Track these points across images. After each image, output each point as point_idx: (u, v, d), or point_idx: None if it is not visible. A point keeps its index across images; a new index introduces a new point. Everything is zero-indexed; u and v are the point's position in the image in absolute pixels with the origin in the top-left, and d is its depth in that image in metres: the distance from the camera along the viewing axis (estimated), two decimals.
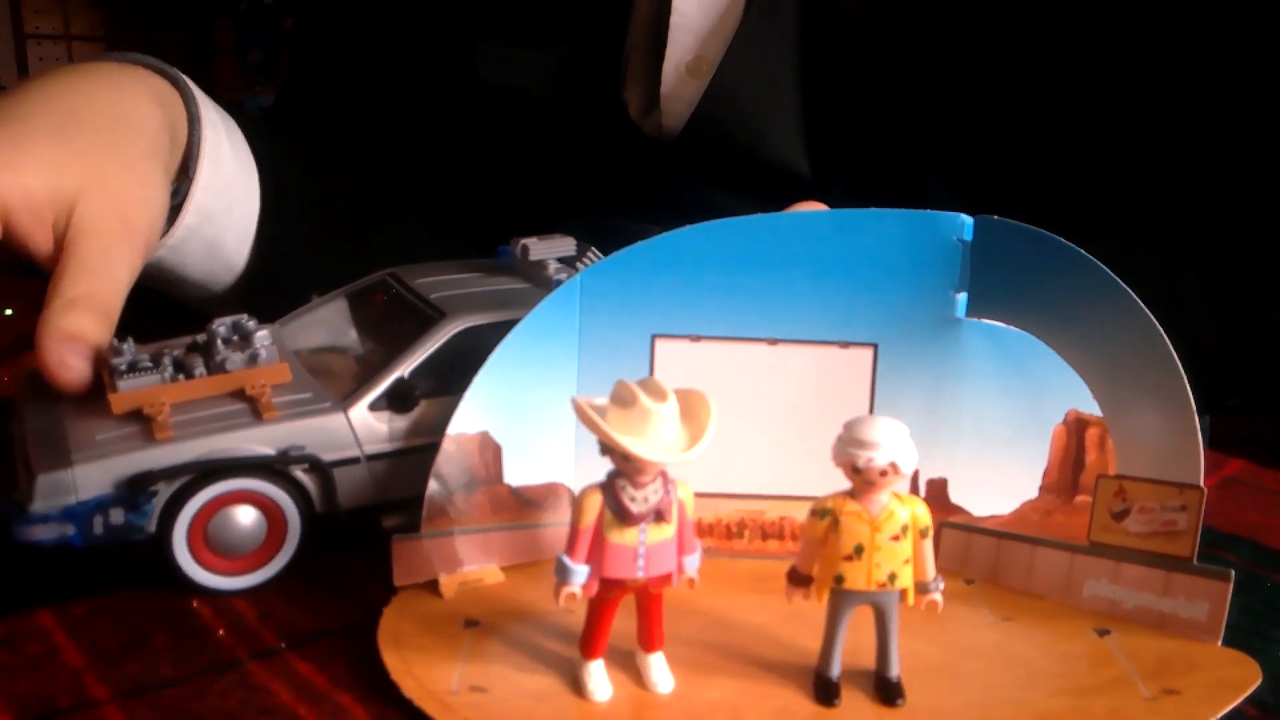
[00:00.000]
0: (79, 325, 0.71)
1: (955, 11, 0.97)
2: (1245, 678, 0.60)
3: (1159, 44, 0.94)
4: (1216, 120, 0.95)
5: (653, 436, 0.56)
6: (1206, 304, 0.95)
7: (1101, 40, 0.96)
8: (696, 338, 0.69)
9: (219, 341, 0.71)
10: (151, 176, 0.82)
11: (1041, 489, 0.69)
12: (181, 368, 0.70)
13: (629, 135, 1.08)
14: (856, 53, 1.00)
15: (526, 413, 0.67)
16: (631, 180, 1.07)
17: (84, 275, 0.73)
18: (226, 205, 0.94)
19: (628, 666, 0.60)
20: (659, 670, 0.59)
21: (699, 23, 1.04)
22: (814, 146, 1.03)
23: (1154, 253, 0.88)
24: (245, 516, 0.66)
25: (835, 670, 0.59)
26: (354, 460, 0.69)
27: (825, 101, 1.02)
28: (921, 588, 0.59)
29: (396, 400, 0.69)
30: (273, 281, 0.99)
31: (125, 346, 0.71)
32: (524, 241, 0.79)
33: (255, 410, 0.68)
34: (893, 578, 0.58)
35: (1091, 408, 0.67)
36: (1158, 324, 0.64)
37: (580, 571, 0.57)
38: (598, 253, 0.78)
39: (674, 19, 1.04)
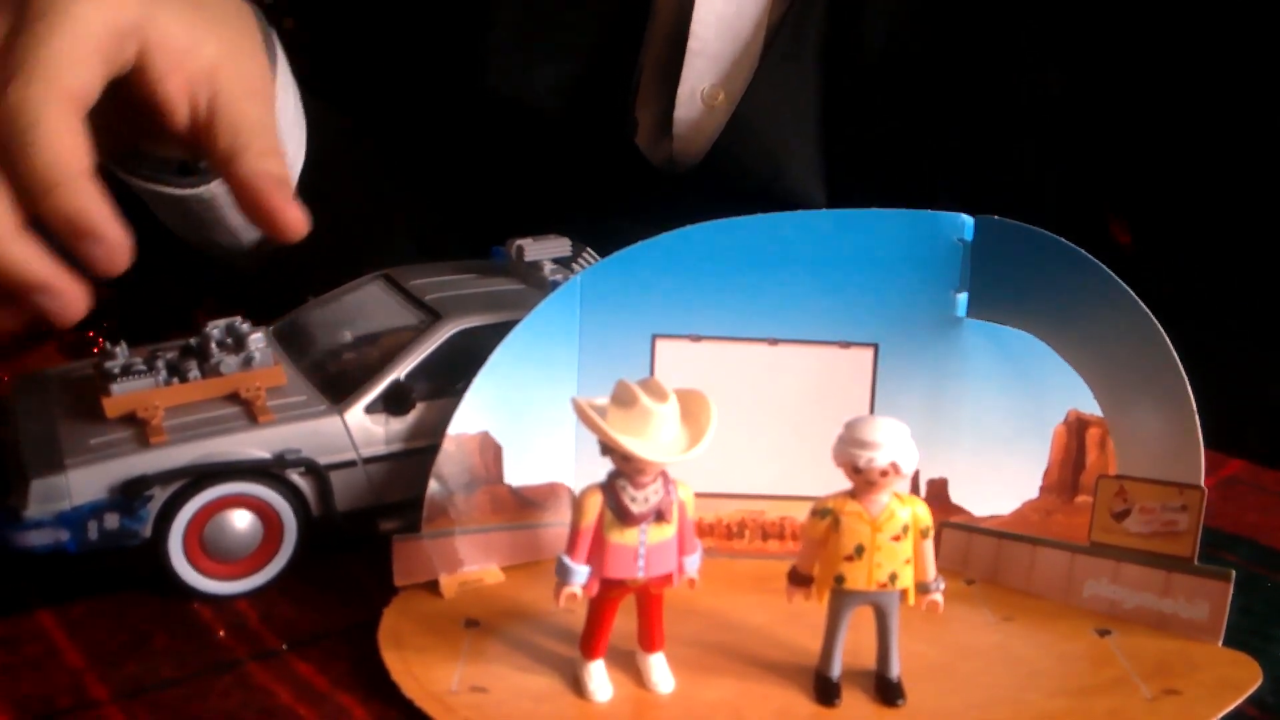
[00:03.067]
0: (283, 170, 0.69)
1: (978, 47, 0.97)
2: (1246, 678, 0.60)
3: (1187, 63, 0.94)
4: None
5: (653, 437, 0.56)
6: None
7: (1132, 67, 0.95)
8: (697, 338, 0.69)
9: (213, 344, 0.71)
10: (269, 73, 0.80)
11: (1042, 489, 0.69)
12: (175, 371, 0.69)
13: (635, 158, 1.08)
14: (876, 85, 1.00)
15: (527, 413, 0.67)
16: (634, 201, 1.06)
17: (263, 131, 0.71)
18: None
19: (628, 667, 0.60)
20: (659, 670, 0.59)
21: (717, 50, 1.03)
22: (830, 179, 1.02)
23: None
24: (241, 521, 0.66)
25: (836, 670, 0.59)
26: (350, 463, 0.68)
27: (843, 134, 1.01)
28: (922, 588, 0.59)
29: (392, 402, 0.69)
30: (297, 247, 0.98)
31: (118, 350, 0.71)
32: (519, 242, 0.79)
33: (250, 413, 0.68)
34: (893, 578, 0.58)
35: (1092, 408, 0.67)
36: (1158, 324, 0.64)
37: (581, 572, 0.57)
38: (593, 254, 0.78)
39: (691, 44, 1.03)
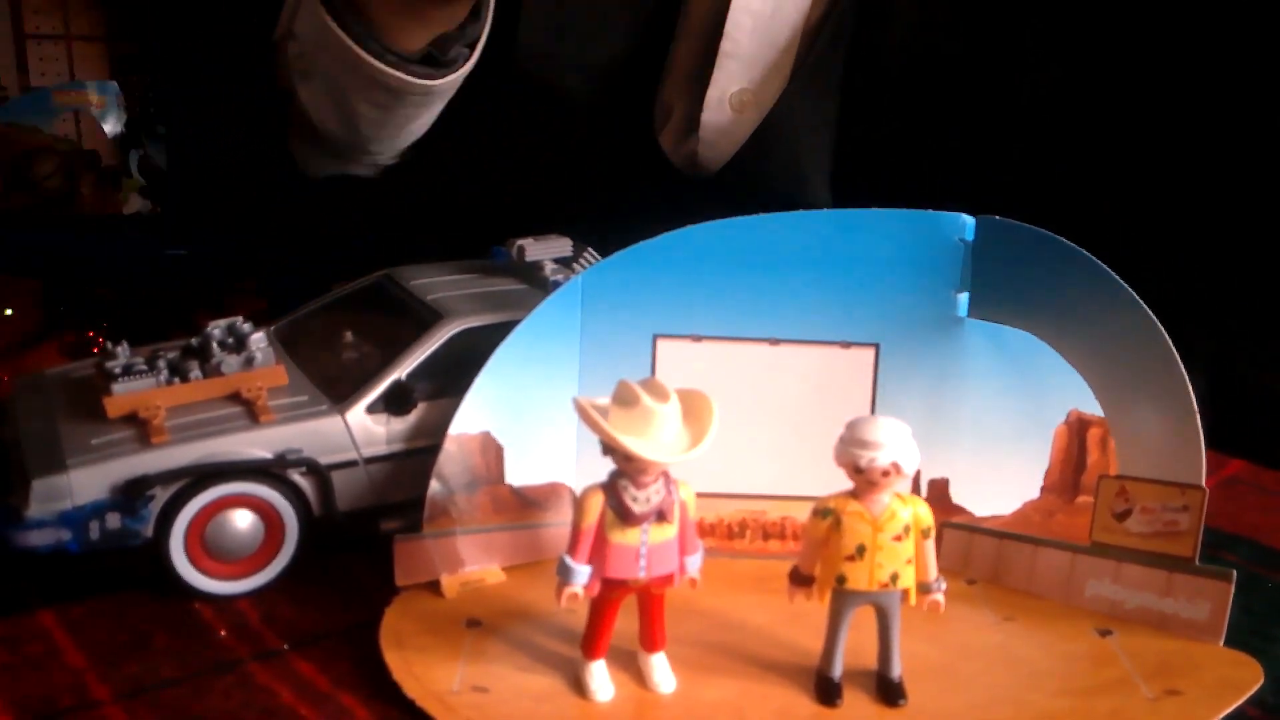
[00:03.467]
0: None
1: (989, 50, 0.96)
2: (1247, 678, 0.60)
3: (1189, 62, 0.94)
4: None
5: (655, 437, 0.56)
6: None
7: (1134, 66, 0.95)
8: (698, 338, 0.69)
9: (214, 344, 0.71)
10: None
11: (1043, 489, 0.69)
12: (177, 371, 0.69)
13: (658, 154, 1.07)
14: (890, 90, 0.99)
15: (528, 413, 0.67)
16: (651, 199, 1.06)
17: None
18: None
19: (630, 667, 0.60)
20: (661, 670, 0.59)
21: (750, 53, 1.03)
22: (833, 180, 1.02)
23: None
24: (242, 520, 0.66)
25: (837, 670, 0.59)
26: (351, 463, 0.68)
27: (851, 135, 1.01)
28: (923, 588, 0.59)
29: (394, 402, 0.69)
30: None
31: (120, 350, 0.71)
32: (520, 242, 0.79)
33: (251, 413, 0.68)
34: (895, 578, 0.58)
35: (1093, 408, 0.67)
36: (1158, 324, 0.64)
37: (582, 572, 0.57)
38: (594, 253, 0.78)
39: (724, 45, 1.02)
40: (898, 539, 0.57)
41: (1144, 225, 0.97)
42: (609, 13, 1.06)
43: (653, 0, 1.05)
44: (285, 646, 0.62)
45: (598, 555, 0.57)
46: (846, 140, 1.02)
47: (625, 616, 0.59)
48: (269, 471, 0.66)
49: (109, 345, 0.72)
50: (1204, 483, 0.64)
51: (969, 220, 0.68)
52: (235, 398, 0.69)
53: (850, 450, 0.57)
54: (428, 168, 1.16)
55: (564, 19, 1.07)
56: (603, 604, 0.58)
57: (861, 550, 0.57)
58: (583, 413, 0.56)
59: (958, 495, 0.70)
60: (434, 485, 0.66)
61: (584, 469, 0.67)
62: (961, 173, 0.98)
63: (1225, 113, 0.95)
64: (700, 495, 0.59)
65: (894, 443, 0.56)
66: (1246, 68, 0.93)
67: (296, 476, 0.67)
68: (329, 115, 1.03)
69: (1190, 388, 0.64)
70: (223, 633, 0.63)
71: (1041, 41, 0.96)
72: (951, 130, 0.99)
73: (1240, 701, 0.59)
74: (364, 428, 0.68)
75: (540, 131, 1.10)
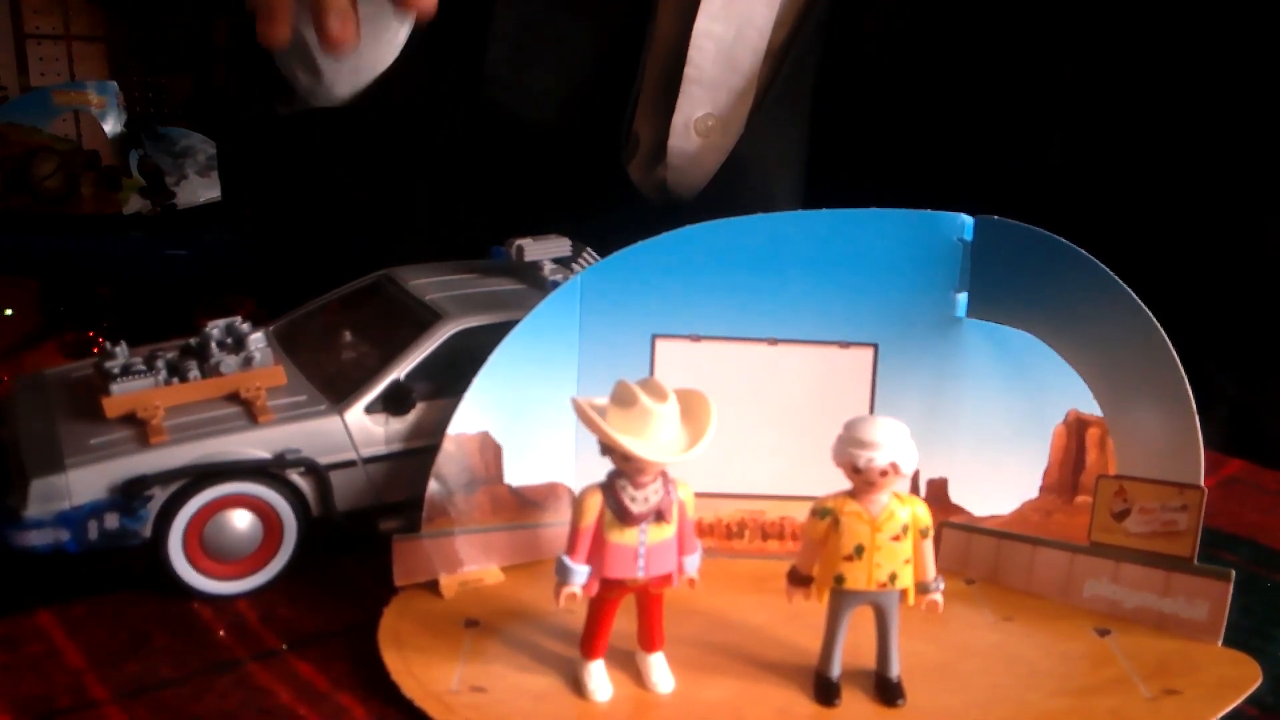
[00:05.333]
0: None
1: (975, 88, 0.96)
2: (1245, 678, 0.60)
3: (1193, 63, 0.93)
4: None
5: (653, 437, 0.56)
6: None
7: (1141, 97, 0.95)
8: (697, 337, 0.69)
9: (213, 344, 0.71)
10: None
11: (1042, 489, 0.69)
12: (175, 371, 0.69)
13: (630, 182, 1.07)
14: (865, 116, 0.99)
15: (527, 413, 0.67)
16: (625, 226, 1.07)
17: None
18: None
19: (628, 667, 0.60)
20: (659, 670, 0.59)
21: (713, 77, 1.03)
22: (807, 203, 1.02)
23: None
24: (241, 521, 0.66)
25: (836, 670, 0.59)
26: (350, 463, 0.68)
27: (833, 175, 1.01)
28: (922, 588, 0.59)
29: (392, 403, 0.69)
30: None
31: (118, 350, 0.71)
32: (519, 242, 0.79)
33: (250, 413, 0.68)
34: (893, 578, 0.58)
35: (1092, 408, 0.67)
36: (1158, 324, 0.64)
37: (580, 571, 0.57)
38: (593, 253, 0.78)
39: (688, 71, 1.03)
40: (896, 539, 0.57)
41: (1142, 227, 0.97)
42: (575, 41, 1.07)
43: (619, 29, 1.05)
44: (284, 646, 0.62)
45: (596, 555, 0.57)
46: (820, 167, 1.02)
47: (624, 616, 0.59)
48: (267, 471, 0.66)
49: (108, 345, 0.72)
50: (1203, 482, 0.64)
51: (968, 220, 0.68)
52: (234, 398, 0.69)
53: (848, 450, 0.57)
54: (426, 174, 1.16)
55: (530, 49, 1.07)
56: (601, 604, 0.58)
57: (860, 550, 0.57)
58: (581, 413, 0.56)
59: (956, 495, 0.70)
60: (433, 485, 0.66)
61: (583, 469, 0.67)
62: (938, 197, 0.99)
63: (1223, 111, 0.94)
64: (699, 495, 0.59)
65: (892, 442, 0.56)
66: (1252, 65, 0.93)
67: (295, 476, 0.67)
68: (295, 63, 1.05)
69: (1189, 388, 0.64)
70: (221, 633, 0.63)
71: (1023, 48, 0.96)
72: (928, 154, 0.98)
73: (1239, 701, 0.59)
74: (363, 428, 0.68)
75: (510, 161, 1.10)
